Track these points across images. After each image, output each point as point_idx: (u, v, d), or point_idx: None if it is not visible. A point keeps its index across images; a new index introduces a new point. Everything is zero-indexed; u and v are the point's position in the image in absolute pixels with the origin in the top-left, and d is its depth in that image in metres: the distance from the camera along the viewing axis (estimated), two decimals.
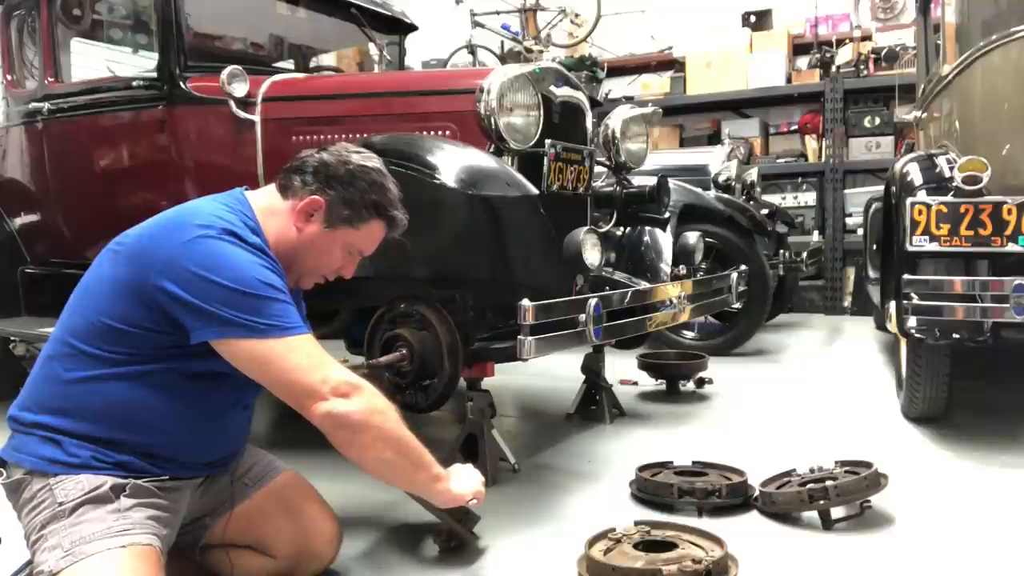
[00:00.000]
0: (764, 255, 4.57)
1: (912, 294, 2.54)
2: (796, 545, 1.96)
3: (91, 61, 3.72)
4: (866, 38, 6.70)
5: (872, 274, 4.10)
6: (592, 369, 3.21)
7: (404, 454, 1.59)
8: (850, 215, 6.46)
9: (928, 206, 2.51)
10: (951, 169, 2.60)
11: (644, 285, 2.85)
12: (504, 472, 2.49)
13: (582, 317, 2.27)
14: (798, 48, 7.08)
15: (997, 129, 2.81)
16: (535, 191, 2.26)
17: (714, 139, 6.87)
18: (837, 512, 2.05)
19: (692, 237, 3.20)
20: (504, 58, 6.61)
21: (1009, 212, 2.45)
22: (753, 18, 7.14)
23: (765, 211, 5.17)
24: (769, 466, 2.31)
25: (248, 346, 1.44)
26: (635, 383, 3.74)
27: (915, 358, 2.79)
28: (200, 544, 1.73)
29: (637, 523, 1.84)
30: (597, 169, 2.95)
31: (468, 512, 1.89)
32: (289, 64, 3.84)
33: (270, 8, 3.51)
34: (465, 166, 2.18)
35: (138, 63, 3.44)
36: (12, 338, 3.66)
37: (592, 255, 2.41)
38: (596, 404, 3.21)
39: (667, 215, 3.17)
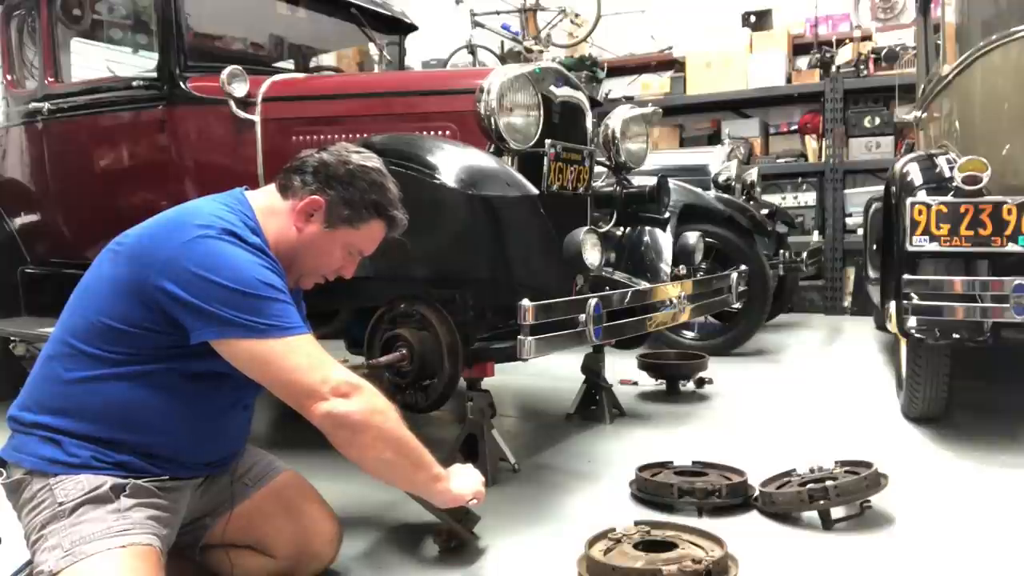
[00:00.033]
0: (764, 255, 4.57)
1: (912, 294, 2.54)
2: (796, 545, 1.96)
3: (91, 61, 3.72)
4: (866, 38, 6.70)
5: (872, 274, 4.10)
6: (592, 369, 3.21)
7: (404, 454, 1.59)
8: (850, 215, 6.46)
9: (928, 206, 2.51)
10: (951, 169, 2.60)
11: (644, 285, 2.85)
12: (504, 472, 2.49)
13: (582, 317, 2.27)
14: (798, 48, 7.08)
15: (997, 129, 2.81)
16: (535, 191, 2.26)
17: (714, 139, 6.87)
18: (837, 512, 2.05)
19: (692, 237, 3.20)
20: (504, 58, 6.61)
21: (1009, 212, 2.45)
22: (753, 18, 7.14)
23: (765, 211, 5.17)
24: (769, 466, 2.31)
25: (248, 346, 1.44)
26: (635, 383, 3.74)
27: (915, 358, 2.79)
28: (200, 544, 1.73)
29: (637, 523, 1.84)
30: (597, 169, 2.95)
31: (468, 512, 1.89)
32: (289, 64, 3.84)
33: (270, 8, 3.51)
34: (465, 166, 2.18)
35: (138, 63, 3.44)
36: (12, 338, 3.66)
37: (592, 255, 2.41)
38: (596, 404, 3.21)
39: (667, 215, 3.17)
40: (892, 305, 2.65)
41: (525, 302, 2.09)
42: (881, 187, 3.30)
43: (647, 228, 3.17)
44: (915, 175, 2.71)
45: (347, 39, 3.96)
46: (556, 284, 2.34)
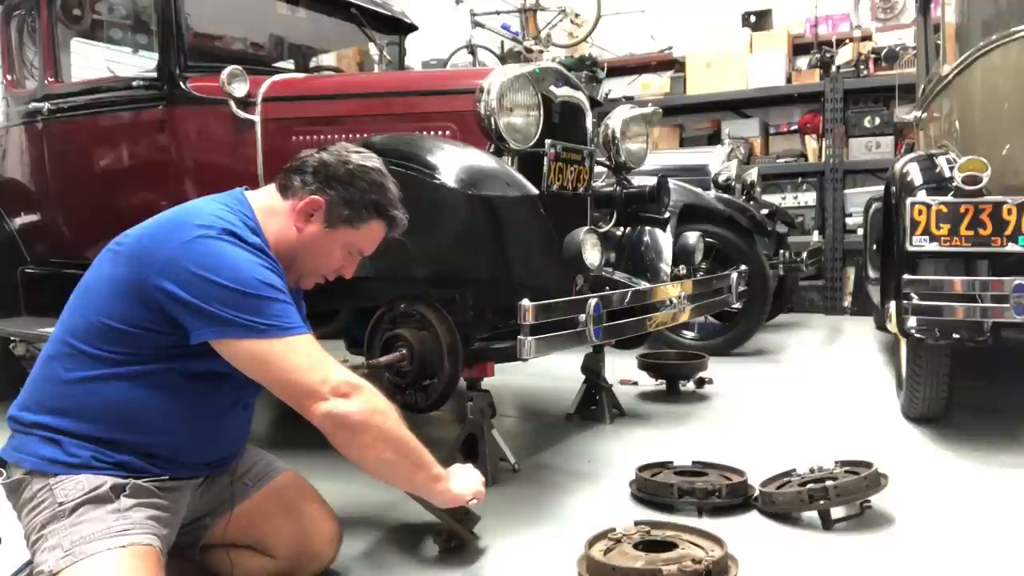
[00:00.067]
0: (764, 255, 4.57)
1: (912, 294, 2.54)
2: (796, 545, 1.96)
3: (91, 61, 3.72)
4: (866, 38, 6.70)
5: (872, 274, 4.10)
6: (592, 369, 3.21)
7: (404, 454, 1.59)
8: (850, 215, 6.46)
9: (928, 206, 2.51)
10: (951, 169, 2.60)
11: (644, 285, 2.85)
12: (504, 472, 2.49)
13: (582, 317, 2.27)
14: (798, 48, 7.08)
15: (997, 129, 2.81)
16: (535, 191, 2.26)
17: (714, 139, 6.87)
18: (837, 512, 2.05)
19: (692, 237, 3.20)
20: (504, 58, 6.61)
21: (1009, 212, 2.45)
22: (753, 18, 7.14)
23: (765, 211, 5.17)
24: (769, 466, 2.31)
25: (248, 346, 1.44)
26: (635, 383, 3.74)
27: (915, 358, 2.79)
28: (200, 544, 1.73)
29: (637, 523, 1.84)
30: (597, 169, 2.95)
31: (468, 512, 1.89)
32: (289, 64, 3.84)
33: (270, 8, 3.51)
34: (465, 166, 2.18)
35: (138, 63, 3.44)
36: (12, 338, 3.66)
37: (592, 255, 2.41)
38: (596, 404, 3.21)
39: (667, 215, 3.17)
40: (892, 305, 2.65)
41: (525, 302, 2.09)
42: (881, 187, 3.30)
43: (647, 228, 3.17)
44: (915, 175, 2.71)
45: (347, 39, 3.96)
46: (556, 284, 2.34)
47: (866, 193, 5.45)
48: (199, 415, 1.57)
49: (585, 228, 2.43)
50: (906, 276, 2.56)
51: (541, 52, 6.25)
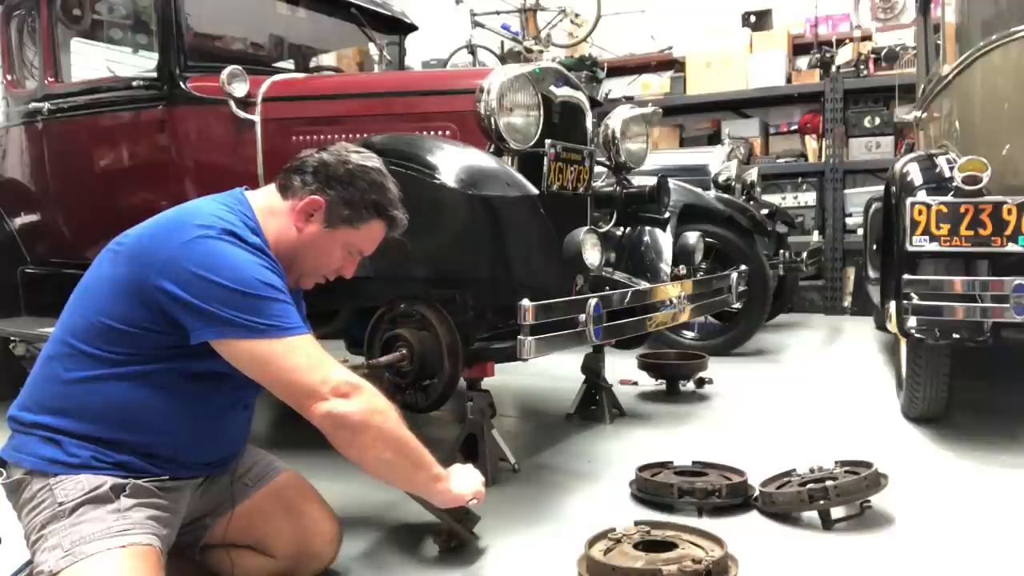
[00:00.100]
0: (764, 255, 4.57)
1: (912, 294, 2.54)
2: (796, 545, 1.96)
3: (91, 61, 3.72)
4: (866, 38, 6.70)
5: (872, 274, 4.10)
6: (592, 369, 3.21)
7: (404, 454, 1.59)
8: (850, 215, 6.46)
9: (928, 206, 2.51)
10: (951, 169, 2.60)
11: (644, 285, 2.85)
12: (504, 472, 2.49)
13: (582, 317, 2.27)
14: (798, 48, 7.08)
15: (997, 129, 2.80)
16: (535, 191, 2.26)
17: (714, 139, 6.87)
18: (837, 512, 2.05)
19: (692, 237, 3.20)
20: (504, 58, 6.61)
21: (1009, 212, 2.45)
22: (753, 18, 7.14)
23: (765, 211, 5.17)
24: (769, 466, 2.31)
25: (248, 346, 1.44)
26: (635, 383, 3.74)
27: (915, 358, 2.79)
28: (200, 544, 1.73)
29: (637, 523, 1.84)
30: (597, 169, 2.95)
31: (468, 512, 1.89)
32: (289, 64, 3.84)
33: (270, 8, 3.51)
34: (465, 166, 2.18)
35: (138, 63, 3.44)
36: (12, 338, 3.66)
37: (592, 255, 2.41)
38: (596, 404, 3.21)
39: (667, 215, 3.17)
40: (892, 305, 2.65)
41: (525, 302, 2.09)
42: (881, 187, 3.30)
43: (647, 228, 3.17)
44: (915, 175, 2.71)
45: (347, 39, 3.96)
46: (556, 284, 2.34)
47: (866, 193, 5.45)
48: (199, 415, 1.57)
49: (585, 228, 2.43)
50: (906, 276, 2.56)
51: (541, 52, 6.25)
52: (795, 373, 4.20)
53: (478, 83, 2.41)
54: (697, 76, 7.08)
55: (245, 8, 3.52)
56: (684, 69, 7.17)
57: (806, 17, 7.02)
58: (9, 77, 3.69)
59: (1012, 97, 2.76)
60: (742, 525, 2.08)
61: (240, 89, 2.74)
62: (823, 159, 6.66)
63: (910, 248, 2.53)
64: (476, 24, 6.33)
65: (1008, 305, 2.41)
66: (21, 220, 3.63)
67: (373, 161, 1.70)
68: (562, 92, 2.67)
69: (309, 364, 1.47)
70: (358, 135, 2.47)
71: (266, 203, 1.64)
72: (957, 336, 2.51)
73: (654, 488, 2.23)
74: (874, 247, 3.87)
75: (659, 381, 3.71)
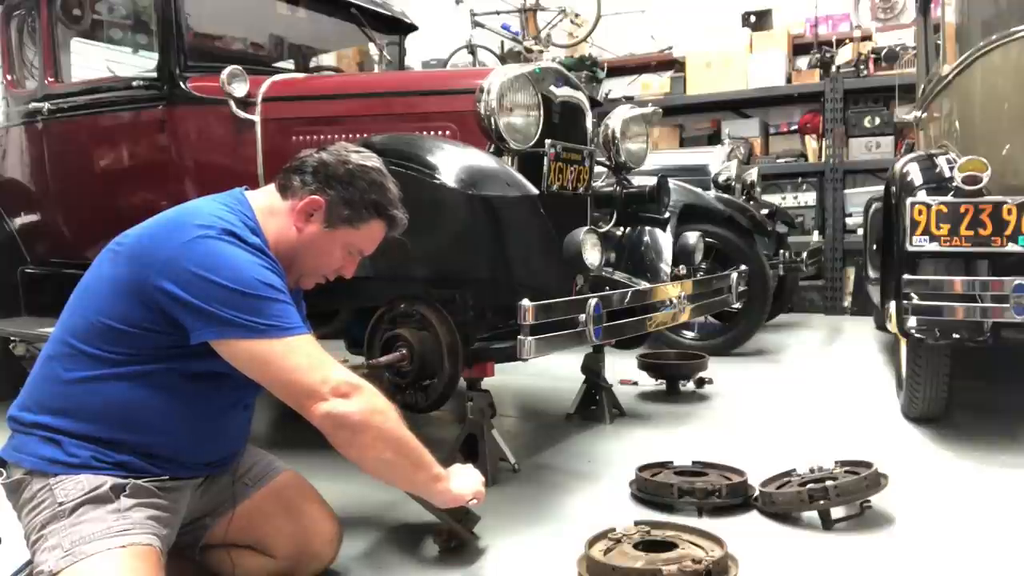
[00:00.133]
0: (764, 255, 4.57)
1: (912, 294, 2.54)
2: (796, 545, 1.96)
3: (91, 61, 3.72)
4: (866, 38, 6.70)
5: (872, 274, 4.10)
6: (592, 369, 3.21)
7: (404, 454, 1.59)
8: (850, 215, 6.46)
9: (928, 206, 2.51)
10: (951, 169, 2.60)
11: (644, 285, 2.85)
12: (504, 472, 2.49)
13: (582, 317, 2.27)
14: (798, 48, 7.08)
15: (997, 129, 2.81)
16: (535, 191, 2.26)
17: (714, 139, 6.87)
18: (837, 512, 2.05)
19: (692, 237, 3.20)
20: (504, 58, 6.61)
21: (1009, 212, 2.45)
22: (753, 18, 7.14)
23: (765, 211, 5.17)
24: (769, 466, 2.31)
25: (248, 346, 1.44)
26: (635, 383, 3.74)
27: (915, 358, 2.79)
28: (200, 544, 1.73)
29: (637, 523, 1.84)
30: (597, 169, 2.95)
31: (468, 512, 1.89)
32: (289, 64, 3.84)
33: (270, 8, 3.51)
34: (465, 166, 2.18)
35: (138, 63, 3.44)
36: (12, 338, 3.66)
37: (592, 255, 2.41)
38: (596, 404, 3.21)
39: (667, 215, 3.17)
40: (892, 305, 2.65)
41: (525, 302, 2.09)
42: (881, 187, 3.30)
43: (647, 228, 3.17)
44: (915, 175, 2.71)
45: (347, 39, 3.96)
46: (556, 284, 2.34)
47: (866, 193, 5.45)
48: (199, 415, 1.57)
49: (585, 228, 2.43)
50: (906, 276, 2.56)
51: (541, 52, 6.25)
52: (795, 373, 4.20)
53: (478, 83, 2.41)
54: (697, 76, 7.08)
55: (245, 8, 3.52)
56: (684, 69, 7.17)
57: (806, 17, 7.02)
58: (9, 77, 3.69)
59: (1012, 97, 2.76)
60: (742, 525, 2.08)
61: (240, 89, 2.74)
62: (823, 159, 6.66)
63: (910, 248, 2.53)
64: (476, 24, 6.33)
65: (1008, 305, 2.41)
66: (21, 220, 3.63)
67: (373, 161, 1.70)
68: (562, 92, 2.67)
69: (309, 364, 1.47)
70: (358, 135, 2.47)
71: (266, 203, 1.64)
72: (957, 336, 2.51)
73: (654, 488, 2.23)
74: (874, 247, 3.87)
75: (659, 381, 3.71)
